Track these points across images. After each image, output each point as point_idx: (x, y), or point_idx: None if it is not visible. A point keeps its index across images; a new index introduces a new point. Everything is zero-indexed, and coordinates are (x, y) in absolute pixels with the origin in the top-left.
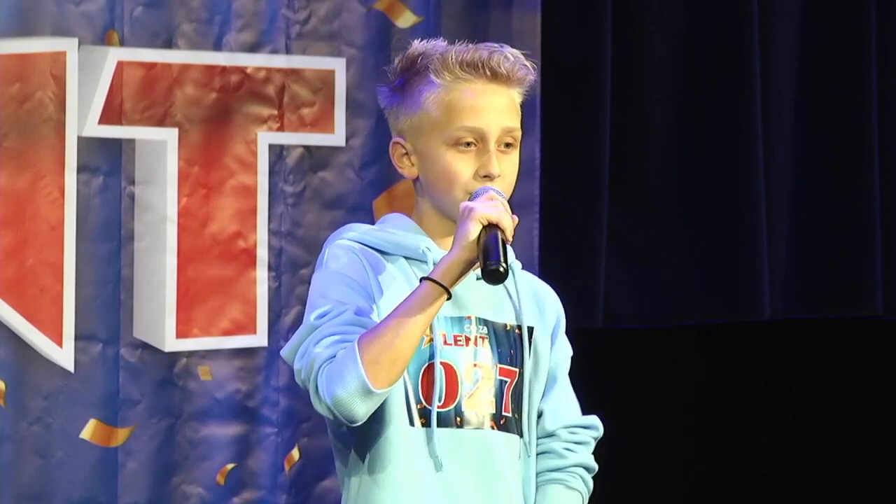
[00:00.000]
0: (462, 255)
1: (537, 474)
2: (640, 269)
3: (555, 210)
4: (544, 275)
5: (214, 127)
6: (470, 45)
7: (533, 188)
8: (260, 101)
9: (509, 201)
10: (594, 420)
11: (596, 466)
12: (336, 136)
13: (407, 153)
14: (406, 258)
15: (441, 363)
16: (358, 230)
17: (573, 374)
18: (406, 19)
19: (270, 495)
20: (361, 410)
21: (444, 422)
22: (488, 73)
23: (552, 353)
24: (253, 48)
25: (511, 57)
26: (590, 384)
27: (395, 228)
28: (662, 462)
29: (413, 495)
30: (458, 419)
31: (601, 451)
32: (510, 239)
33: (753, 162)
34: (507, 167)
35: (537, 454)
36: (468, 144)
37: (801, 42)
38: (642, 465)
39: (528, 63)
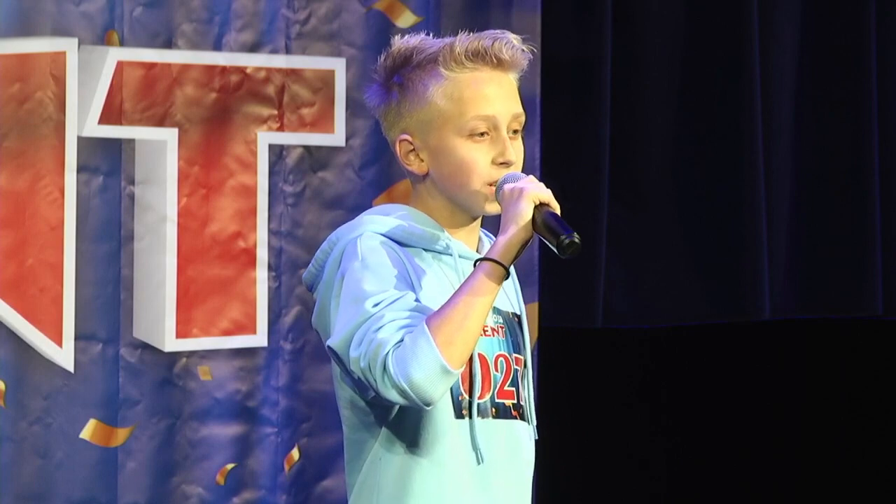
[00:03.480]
0: (519, 234)
1: None
2: (639, 269)
3: None
4: (544, 275)
5: (214, 127)
6: (471, 34)
7: None
8: (260, 101)
9: None
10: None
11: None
12: (336, 136)
13: (415, 149)
14: (425, 250)
15: (477, 354)
16: (380, 223)
17: (572, 373)
18: (406, 19)
19: (270, 495)
20: (438, 392)
21: (482, 413)
22: (494, 60)
23: None
24: (253, 48)
25: (515, 42)
26: (589, 384)
27: (411, 221)
28: (662, 462)
29: (458, 488)
30: (494, 410)
31: (599, 449)
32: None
33: (753, 162)
34: (518, 153)
35: None
36: (482, 134)
37: (801, 42)
38: (641, 464)
39: (526, 47)
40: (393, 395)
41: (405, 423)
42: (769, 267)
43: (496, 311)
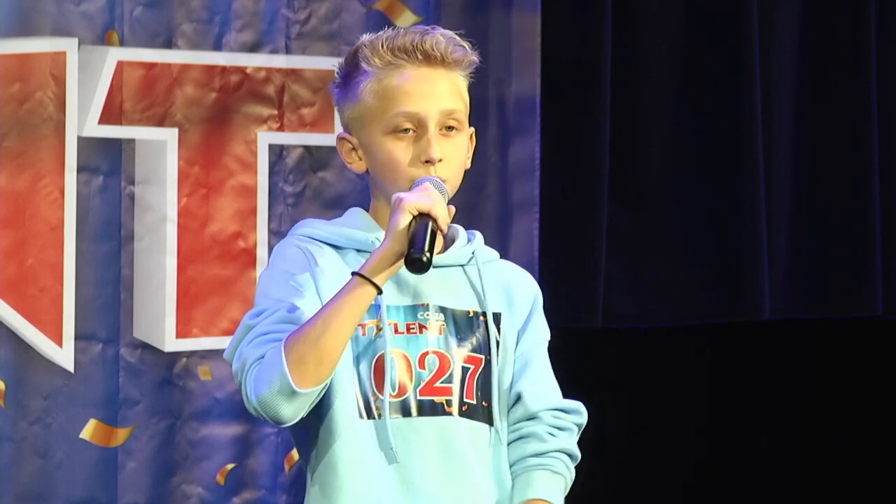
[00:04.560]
0: (392, 246)
1: (518, 460)
2: (640, 269)
3: (555, 210)
4: (544, 275)
5: (214, 127)
6: (400, 29)
7: (533, 188)
8: (260, 101)
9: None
10: (578, 405)
11: (579, 454)
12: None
13: (353, 148)
14: (358, 251)
15: (393, 353)
16: (309, 225)
17: (573, 373)
18: (406, 19)
19: (270, 495)
20: (287, 411)
21: (398, 411)
22: (420, 56)
23: (525, 334)
24: (253, 48)
25: (444, 38)
26: (590, 384)
27: (349, 222)
28: (661, 462)
29: (366, 489)
30: (415, 408)
31: (599, 450)
32: (444, 229)
33: (753, 162)
34: (449, 151)
35: (518, 438)
36: (406, 130)
37: (801, 42)
38: (641, 464)
39: (464, 44)
40: (252, 411)
41: (319, 429)
42: (769, 267)
43: (440, 309)
